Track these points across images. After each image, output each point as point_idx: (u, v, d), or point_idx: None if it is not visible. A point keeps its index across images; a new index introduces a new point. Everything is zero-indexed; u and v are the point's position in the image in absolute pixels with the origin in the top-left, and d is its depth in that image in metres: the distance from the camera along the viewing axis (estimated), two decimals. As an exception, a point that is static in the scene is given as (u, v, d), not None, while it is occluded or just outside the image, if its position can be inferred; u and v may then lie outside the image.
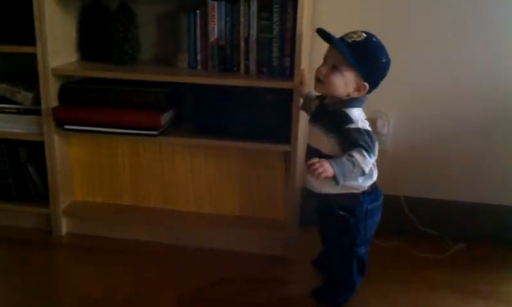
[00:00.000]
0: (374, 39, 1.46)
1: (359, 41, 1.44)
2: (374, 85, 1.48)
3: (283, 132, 1.80)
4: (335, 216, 1.53)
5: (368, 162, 1.40)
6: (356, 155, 1.39)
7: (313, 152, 1.52)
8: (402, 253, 1.95)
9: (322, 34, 1.48)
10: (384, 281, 1.77)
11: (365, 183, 1.50)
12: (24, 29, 1.86)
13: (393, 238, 1.99)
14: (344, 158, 1.38)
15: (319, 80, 1.50)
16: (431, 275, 1.83)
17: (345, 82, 1.46)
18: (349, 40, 1.44)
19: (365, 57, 1.44)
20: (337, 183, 1.38)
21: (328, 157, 1.42)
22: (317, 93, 1.61)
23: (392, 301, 1.69)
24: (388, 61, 1.48)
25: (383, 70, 1.48)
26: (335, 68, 1.45)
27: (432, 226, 2.04)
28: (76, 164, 2.07)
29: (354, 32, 1.47)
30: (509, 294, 1.74)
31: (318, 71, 1.49)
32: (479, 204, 2.04)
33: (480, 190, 2.04)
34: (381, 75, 1.48)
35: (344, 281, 1.61)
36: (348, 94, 1.47)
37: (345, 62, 1.44)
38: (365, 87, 1.46)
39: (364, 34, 1.45)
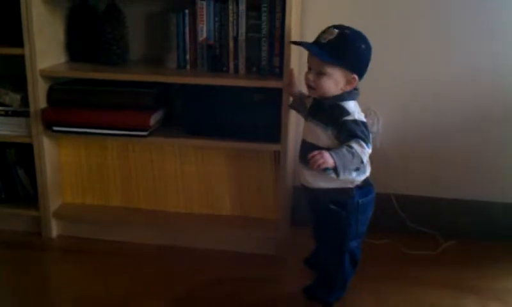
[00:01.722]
0: (347, 31, 1.47)
1: (333, 39, 1.45)
2: (362, 73, 1.50)
3: (273, 132, 1.80)
4: (327, 210, 1.54)
5: (367, 152, 1.42)
6: (355, 146, 1.40)
7: (309, 147, 1.52)
8: (393, 251, 1.95)
9: (297, 44, 1.52)
10: (375, 279, 1.78)
11: (358, 178, 1.51)
12: (12, 30, 1.84)
13: (384, 235, 2.00)
14: (344, 149, 1.40)
15: (310, 87, 1.52)
16: (422, 272, 1.83)
17: (335, 82, 1.48)
18: (324, 41, 1.46)
19: (345, 52, 1.45)
20: (337, 174, 1.40)
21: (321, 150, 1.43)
22: None
23: (383, 299, 1.70)
24: (368, 45, 1.49)
25: (365, 56, 1.49)
26: (321, 73, 1.47)
27: (422, 224, 2.05)
28: (65, 166, 2.06)
29: (325, 32, 1.48)
30: (500, 291, 1.75)
31: (307, 78, 1.51)
32: (469, 201, 2.05)
33: (471, 187, 2.05)
34: (366, 61, 1.50)
35: (335, 277, 1.61)
36: (341, 89, 1.49)
37: (328, 64, 1.45)
38: (354, 78, 1.48)
39: (336, 30, 1.46)
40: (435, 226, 2.04)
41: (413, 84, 2.00)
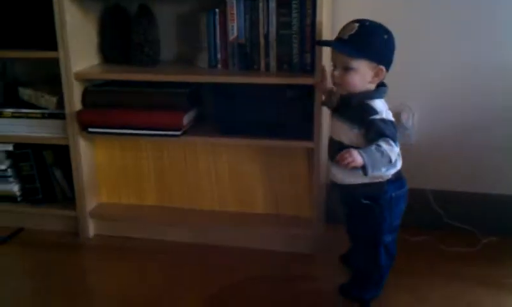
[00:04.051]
0: (367, 23, 1.47)
1: (354, 33, 1.45)
2: (388, 63, 1.49)
3: (306, 129, 1.79)
4: (359, 206, 1.52)
5: (395, 151, 1.41)
6: (384, 145, 1.39)
7: (335, 144, 1.53)
8: (430, 248, 1.92)
9: (321, 44, 1.60)
10: (412, 276, 1.75)
11: (388, 172, 1.49)
12: (46, 34, 1.88)
13: (421, 232, 1.97)
14: (373, 148, 1.39)
15: (337, 84, 1.52)
16: (461, 269, 1.80)
17: (361, 76, 1.47)
18: (346, 37, 1.46)
19: (368, 44, 1.45)
20: (366, 173, 1.39)
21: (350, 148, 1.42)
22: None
23: (421, 296, 1.67)
24: (390, 35, 1.48)
25: (389, 45, 1.48)
26: (347, 69, 1.47)
27: (460, 220, 2.00)
28: (101, 166, 2.09)
29: (346, 28, 1.48)
30: (541, 288, 1.71)
31: (333, 76, 1.51)
32: (508, 197, 1.99)
33: (509, 182, 1.99)
34: (390, 51, 1.49)
35: (371, 274, 1.60)
36: (369, 82, 1.48)
37: (353, 58, 1.45)
38: (381, 70, 1.47)
39: (356, 24, 1.46)
40: (473, 222, 1.99)
41: (448, 78, 1.95)
